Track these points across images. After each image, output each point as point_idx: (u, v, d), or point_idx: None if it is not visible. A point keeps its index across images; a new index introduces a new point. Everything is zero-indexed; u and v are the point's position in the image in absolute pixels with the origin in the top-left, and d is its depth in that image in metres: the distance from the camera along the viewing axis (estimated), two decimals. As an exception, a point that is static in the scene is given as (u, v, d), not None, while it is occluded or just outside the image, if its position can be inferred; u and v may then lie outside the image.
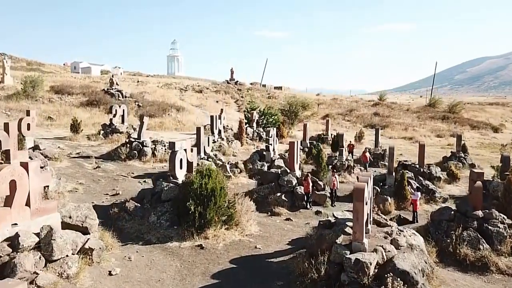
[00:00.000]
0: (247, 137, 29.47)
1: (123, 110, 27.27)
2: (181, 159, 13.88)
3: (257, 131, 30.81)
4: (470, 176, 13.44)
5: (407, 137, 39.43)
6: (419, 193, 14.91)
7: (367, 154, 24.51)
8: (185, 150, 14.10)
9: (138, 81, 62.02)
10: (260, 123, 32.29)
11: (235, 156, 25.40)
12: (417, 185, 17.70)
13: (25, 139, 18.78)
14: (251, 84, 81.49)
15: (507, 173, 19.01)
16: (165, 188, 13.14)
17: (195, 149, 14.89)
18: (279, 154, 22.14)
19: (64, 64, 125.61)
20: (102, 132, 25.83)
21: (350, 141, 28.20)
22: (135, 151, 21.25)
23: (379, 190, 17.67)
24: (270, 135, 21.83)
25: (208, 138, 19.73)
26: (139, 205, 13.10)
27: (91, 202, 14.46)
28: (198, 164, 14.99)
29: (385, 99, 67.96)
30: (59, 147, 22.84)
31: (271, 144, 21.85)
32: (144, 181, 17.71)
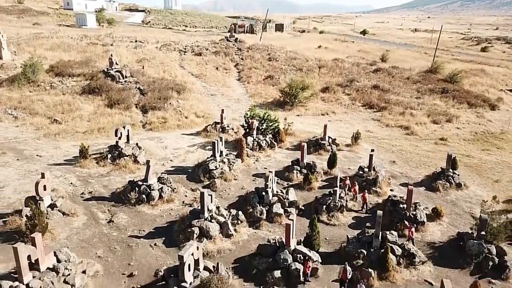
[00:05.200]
0: (247, 147, 30.77)
1: (128, 130, 28.35)
2: (189, 264, 15.81)
3: (256, 139, 31.95)
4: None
5: (403, 126, 40.42)
6: None
7: (366, 196, 25.00)
8: (192, 254, 15.98)
9: (136, 41, 60.59)
10: (260, 128, 33.23)
11: (236, 180, 27.14)
12: (400, 250, 19.75)
13: (43, 200, 20.51)
14: (251, 27, 79.17)
15: (483, 233, 21.08)
16: (176, 295, 15.29)
17: (200, 246, 16.69)
18: (276, 195, 23.78)
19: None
20: (109, 156, 27.17)
21: (345, 177, 26.76)
22: (143, 195, 22.93)
23: (365, 253, 19.77)
24: (269, 179, 23.33)
25: (211, 196, 21.26)
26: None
27: (112, 290, 16.76)
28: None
29: (387, 59, 67.21)
30: (71, 183, 24.53)
31: (270, 187, 23.46)
32: (155, 244, 19.76)
